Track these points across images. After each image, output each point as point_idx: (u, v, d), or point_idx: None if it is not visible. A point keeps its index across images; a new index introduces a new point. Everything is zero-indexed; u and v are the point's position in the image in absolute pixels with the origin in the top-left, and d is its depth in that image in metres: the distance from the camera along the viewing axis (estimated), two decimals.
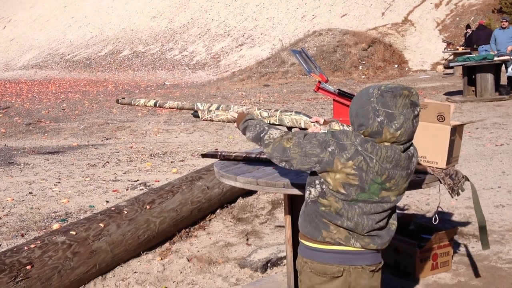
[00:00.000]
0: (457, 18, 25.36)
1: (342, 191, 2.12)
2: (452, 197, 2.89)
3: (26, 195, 6.53)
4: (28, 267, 3.49)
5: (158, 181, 6.86)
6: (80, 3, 47.88)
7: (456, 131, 2.95)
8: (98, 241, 4.05)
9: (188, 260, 4.43)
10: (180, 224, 4.99)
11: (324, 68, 20.86)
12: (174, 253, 4.61)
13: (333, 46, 23.09)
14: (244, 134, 2.46)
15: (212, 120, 2.71)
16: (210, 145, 9.31)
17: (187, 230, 5.10)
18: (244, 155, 3.29)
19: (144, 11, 41.50)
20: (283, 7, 33.49)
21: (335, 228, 2.17)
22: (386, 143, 2.10)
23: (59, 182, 7.14)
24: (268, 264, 4.22)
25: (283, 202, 5.44)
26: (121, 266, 4.31)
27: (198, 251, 4.65)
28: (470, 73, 13.24)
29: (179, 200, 5.00)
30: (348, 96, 3.72)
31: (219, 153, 3.42)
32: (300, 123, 2.46)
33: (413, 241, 3.92)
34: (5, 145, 10.45)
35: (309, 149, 2.16)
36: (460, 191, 2.88)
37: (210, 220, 5.43)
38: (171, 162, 8.18)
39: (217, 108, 2.69)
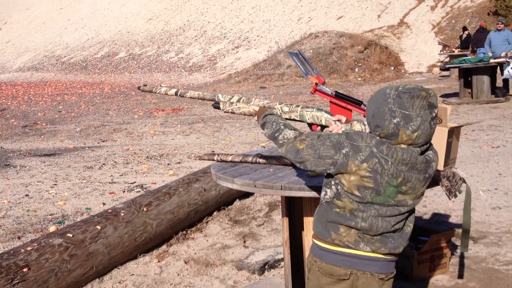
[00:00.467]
0: (453, 21, 25.44)
1: (357, 193, 2.09)
2: (450, 199, 2.89)
3: (23, 197, 6.51)
4: (25, 269, 3.48)
5: (155, 183, 6.85)
6: (76, 5, 47.84)
7: (453, 133, 2.95)
8: (95, 243, 4.04)
9: (185, 263, 4.42)
10: (177, 226, 4.98)
11: (320, 71, 20.88)
12: (171, 255, 4.60)
13: (329, 48, 23.12)
14: (263, 129, 2.43)
15: (234, 112, 2.65)
16: (207, 147, 9.31)
17: (184, 232, 5.09)
18: (241, 158, 3.29)
19: (140, 13, 41.48)
20: (279, 10, 33.53)
21: (345, 230, 2.15)
22: (402, 145, 2.07)
23: (56, 184, 7.13)
24: (266, 266, 4.22)
25: (280, 204, 5.44)
26: (118, 268, 4.30)
27: (195, 253, 4.64)
28: (466, 75, 13.27)
29: (176, 202, 4.99)
30: (345, 98, 3.72)
31: (216, 155, 3.42)
32: (321, 120, 2.40)
33: (411, 243, 3.92)
34: (1, 147, 10.42)
35: (322, 150, 2.13)
36: (457, 193, 2.88)
37: (207, 222, 5.42)
38: (168, 164, 8.17)
39: (238, 101, 2.66)
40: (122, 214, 4.44)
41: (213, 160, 3.43)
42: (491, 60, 12.77)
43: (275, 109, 2.49)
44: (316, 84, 3.71)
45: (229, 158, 3.33)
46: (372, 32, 26.22)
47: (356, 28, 27.11)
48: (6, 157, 9.22)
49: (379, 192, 2.08)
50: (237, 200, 5.93)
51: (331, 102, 3.80)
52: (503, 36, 13.47)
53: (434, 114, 2.06)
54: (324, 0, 32.15)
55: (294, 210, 3.24)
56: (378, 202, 2.10)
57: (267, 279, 4.03)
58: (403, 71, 22.43)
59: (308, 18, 31.14)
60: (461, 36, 20.70)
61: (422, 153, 2.11)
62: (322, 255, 2.21)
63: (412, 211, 2.21)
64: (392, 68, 22.45)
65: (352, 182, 2.09)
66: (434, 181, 2.82)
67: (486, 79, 12.96)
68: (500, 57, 13.03)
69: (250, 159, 3.24)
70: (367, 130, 2.37)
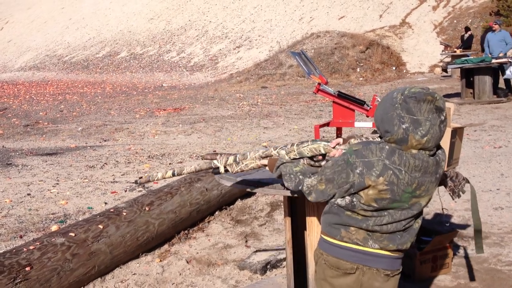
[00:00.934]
0: (455, 21, 25.41)
1: (374, 204, 2.11)
2: (453, 199, 2.89)
3: (24, 196, 6.52)
4: (27, 268, 3.48)
5: (157, 183, 6.85)
6: (77, 4, 47.85)
7: (457, 133, 2.96)
8: (97, 242, 4.04)
9: (187, 262, 4.42)
10: (179, 225, 4.99)
11: (322, 71, 20.84)
12: (173, 254, 4.60)
13: (330, 48, 23.11)
14: (282, 180, 2.41)
15: (243, 170, 2.66)
16: (208, 147, 9.31)
17: (186, 232, 5.09)
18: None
19: (142, 13, 41.48)
20: (281, 9, 33.52)
21: (355, 229, 2.18)
22: (413, 150, 2.07)
23: (58, 184, 7.13)
24: (268, 266, 4.22)
25: (282, 204, 5.44)
26: (120, 267, 4.30)
27: (197, 253, 4.64)
28: (468, 75, 13.26)
29: (178, 202, 4.99)
30: (348, 98, 3.72)
31: (218, 155, 3.41)
32: (320, 150, 2.41)
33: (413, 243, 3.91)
34: (3, 146, 10.42)
35: (337, 179, 2.13)
36: (460, 193, 2.88)
37: (209, 222, 5.42)
38: (169, 163, 8.17)
39: (235, 160, 2.66)
40: (124, 214, 4.44)
41: (216, 159, 3.42)
42: (493, 61, 12.76)
43: (281, 155, 2.48)
44: (319, 84, 3.72)
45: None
46: (374, 32, 26.19)
47: (357, 28, 27.09)
48: (8, 156, 9.23)
49: (395, 200, 2.11)
50: (239, 199, 5.93)
51: (333, 102, 3.80)
52: (499, 37, 13.47)
53: (442, 118, 2.06)
54: (326, 0, 32.13)
55: (296, 210, 3.24)
56: (393, 207, 2.12)
57: (269, 279, 4.03)
58: (404, 71, 22.41)
59: (310, 18, 31.13)
60: (462, 36, 20.67)
61: (433, 155, 2.12)
62: (329, 249, 2.24)
63: (422, 210, 2.23)
64: (394, 68, 22.43)
65: (370, 196, 2.10)
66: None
67: (488, 79, 12.95)
68: (499, 57, 13.02)
69: None
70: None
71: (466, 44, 19.80)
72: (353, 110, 3.97)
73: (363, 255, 2.17)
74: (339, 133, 3.94)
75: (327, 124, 4.00)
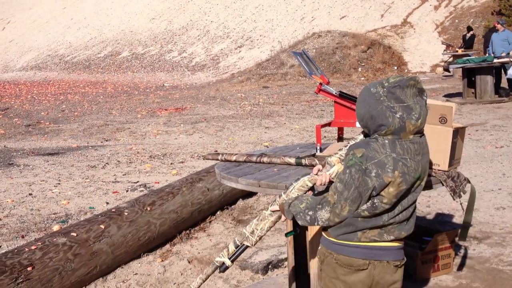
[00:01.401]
0: (456, 20, 25.39)
1: (394, 200, 2.14)
2: (454, 199, 2.89)
3: (26, 196, 6.52)
4: (29, 268, 3.49)
5: (158, 183, 6.85)
6: (79, 4, 47.89)
7: (458, 133, 2.95)
8: (98, 242, 4.04)
9: (189, 262, 4.43)
10: (180, 225, 4.99)
11: (323, 70, 20.84)
12: (174, 254, 4.61)
13: (332, 48, 23.10)
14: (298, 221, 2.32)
15: (261, 236, 2.52)
16: (210, 147, 9.31)
17: (188, 231, 5.10)
18: (245, 157, 3.29)
19: (143, 12, 41.51)
20: (282, 9, 33.51)
21: (371, 229, 2.20)
22: (410, 136, 2.12)
23: (59, 184, 7.14)
24: (269, 266, 4.22)
25: None
26: (122, 267, 4.31)
27: (199, 252, 4.64)
28: (469, 75, 13.24)
29: (179, 201, 4.99)
30: (350, 98, 3.72)
31: (220, 155, 3.41)
32: (307, 185, 2.35)
33: (414, 243, 3.91)
34: (4, 146, 10.43)
35: (363, 192, 2.10)
36: (462, 193, 2.87)
37: (210, 221, 5.42)
38: (171, 163, 8.18)
39: (249, 234, 2.53)
40: (126, 214, 4.45)
41: (217, 159, 3.43)
42: (495, 60, 12.75)
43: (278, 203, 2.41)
44: (321, 84, 3.71)
45: (233, 158, 3.33)
46: (375, 32, 26.18)
47: (359, 28, 27.07)
48: (10, 156, 9.24)
49: (408, 189, 2.16)
50: (240, 199, 5.93)
51: (335, 102, 3.80)
52: (502, 36, 13.48)
53: (425, 98, 2.15)
54: None
55: None
56: (406, 196, 2.17)
57: (271, 278, 4.03)
58: (406, 70, 22.40)
59: (311, 17, 31.12)
60: (464, 36, 20.65)
61: (422, 135, 2.19)
62: (338, 249, 2.25)
63: None
64: (395, 67, 22.42)
65: (391, 193, 2.13)
66: (438, 181, 2.82)
67: (489, 79, 12.93)
68: (501, 57, 13.01)
69: (254, 158, 3.24)
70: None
71: (468, 43, 19.79)
72: (355, 110, 3.96)
73: (374, 250, 2.20)
74: (340, 133, 3.94)
75: (329, 124, 4.00)
